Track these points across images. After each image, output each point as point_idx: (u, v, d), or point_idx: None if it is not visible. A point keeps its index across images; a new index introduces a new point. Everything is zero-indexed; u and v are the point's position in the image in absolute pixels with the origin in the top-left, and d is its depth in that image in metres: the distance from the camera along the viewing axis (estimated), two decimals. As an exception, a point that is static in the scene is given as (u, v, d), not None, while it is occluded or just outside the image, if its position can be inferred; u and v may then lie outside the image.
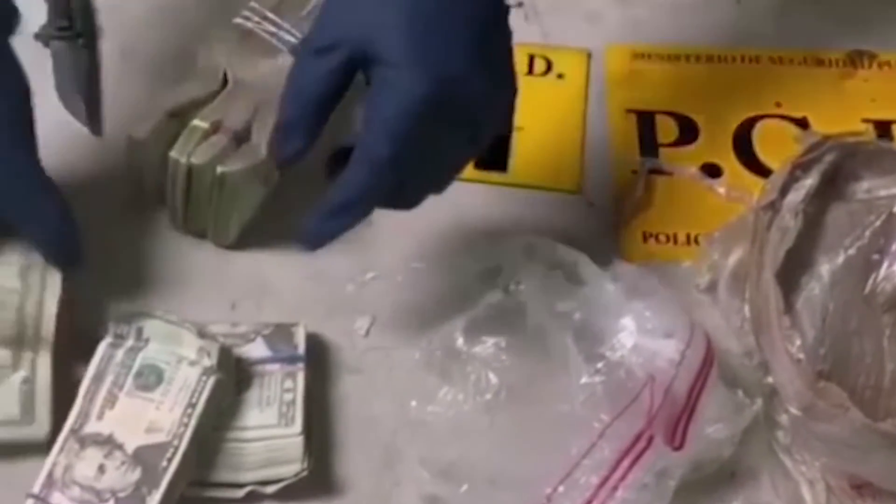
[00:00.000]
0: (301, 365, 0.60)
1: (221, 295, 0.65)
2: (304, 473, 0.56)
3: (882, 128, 0.74)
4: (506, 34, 0.56)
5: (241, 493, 0.56)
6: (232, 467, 0.56)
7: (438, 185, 0.57)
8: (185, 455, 0.55)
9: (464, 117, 0.53)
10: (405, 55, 0.51)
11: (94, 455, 0.55)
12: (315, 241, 0.56)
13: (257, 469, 0.56)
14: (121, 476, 0.54)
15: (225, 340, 0.60)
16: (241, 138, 0.63)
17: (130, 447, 0.55)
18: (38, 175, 0.58)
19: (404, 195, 0.56)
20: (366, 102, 0.52)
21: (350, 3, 0.53)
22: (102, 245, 0.66)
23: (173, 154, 0.62)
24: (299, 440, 0.57)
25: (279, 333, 0.61)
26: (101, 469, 0.55)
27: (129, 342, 0.59)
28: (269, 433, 0.57)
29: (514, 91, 0.56)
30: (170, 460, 0.55)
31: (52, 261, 0.59)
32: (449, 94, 0.51)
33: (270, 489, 0.56)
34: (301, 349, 0.60)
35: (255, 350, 0.60)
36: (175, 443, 0.55)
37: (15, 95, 0.57)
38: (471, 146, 0.56)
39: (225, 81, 0.66)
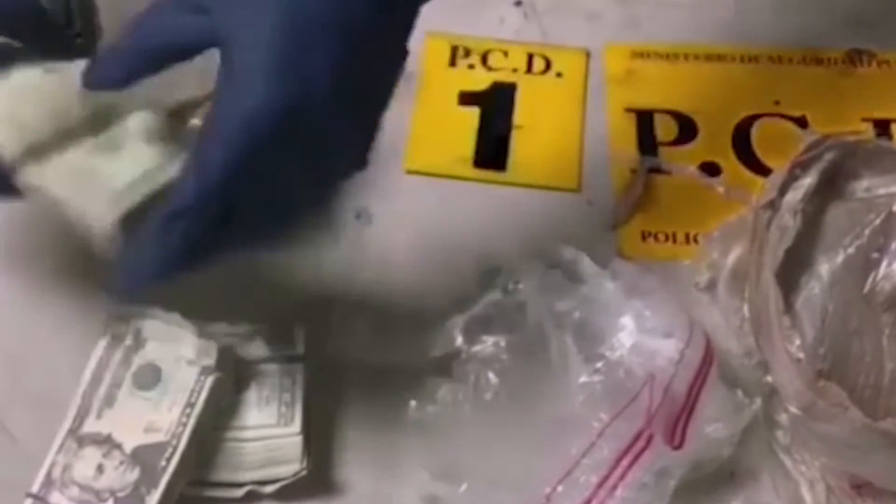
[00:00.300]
0: (300, 364, 0.59)
1: (220, 294, 0.64)
2: (303, 473, 0.56)
3: (882, 127, 0.74)
4: (388, 72, 0.49)
5: (239, 492, 0.56)
6: (231, 467, 0.56)
7: (274, 224, 0.48)
8: (183, 455, 0.55)
9: (313, 143, 0.46)
10: (264, 60, 0.45)
11: (92, 455, 0.55)
12: (131, 278, 0.48)
13: (256, 469, 0.56)
14: (119, 476, 0.54)
15: (224, 340, 0.60)
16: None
17: (129, 447, 0.55)
18: None
19: (233, 231, 0.47)
20: (211, 100, 0.46)
21: None
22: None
23: (172, 154, 0.62)
24: (298, 440, 0.56)
25: (278, 333, 0.61)
26: (100, 469, 0.55)
27: (128, 341, 0.59)
28: (267, 433, 0.57)
29: (374, 129, 0.49)
30: (168, 460, 0.55)
31: None
32: (301, 112, 0.45)
33: (269, 489, 0.56)
34: (300, 348, 0.60)
35: (254, 349, 0.60)
36: (174, 442, 0.55)
37: None
38: (317, 183, 0.48)
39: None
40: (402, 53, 0.49)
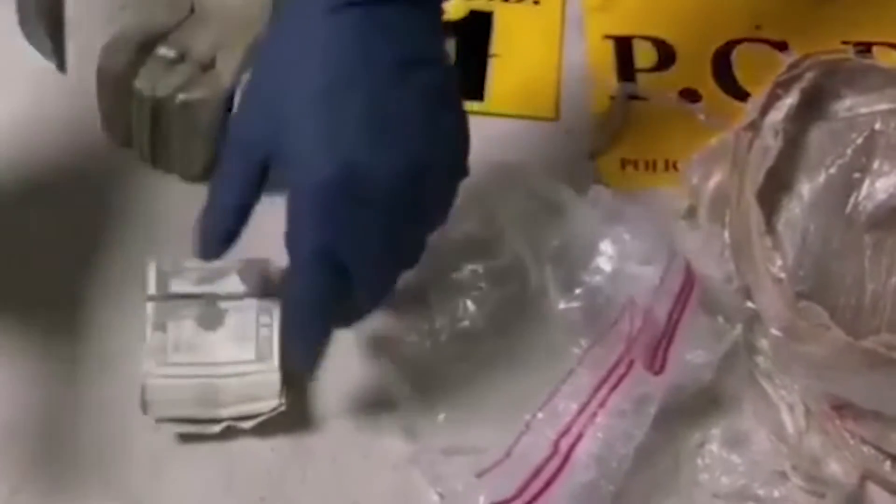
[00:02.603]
0: (277, 300, 0.59)
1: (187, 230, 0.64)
2: (282, 408, 0.55)
3: (863, 50, 0.73)
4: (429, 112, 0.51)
5: (217, 428, 0.55)
6: (208, 403, 0.56)
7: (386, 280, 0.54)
8: None
9: (388, 191, 0.50)
10: (305, 147, 0.49)
11: None
12: (303, 364, 0.55)
13: (234, 404, 0.55)
14: None
15: (199, 275, 0.59)
16: (208, 67, 0.62)
17: None
18: None
19: (362, 290, 0.52)
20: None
21: (260, 101, 0.52)
22: (72, 181, 0.65)
23: (138, 84, 0.61)
24: (276, 375, 0.56)
25: (253, 268, 0.60)
26: None
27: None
28: (245, 369, 0.56)
29: (450, 146, 0.53)
30: None
31: None
32: (356, 177, 0.49)
33: (247, 424, 0.55)
34: (276, 284, 0.59)
35: (230, 285, 0.59)
36: None
37: None
38: (425, 215, 0.53)
39: (192, 10, 0.65)
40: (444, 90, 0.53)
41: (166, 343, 0.57)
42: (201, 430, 0.55)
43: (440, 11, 0.54)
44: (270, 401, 0.55)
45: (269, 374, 0.56)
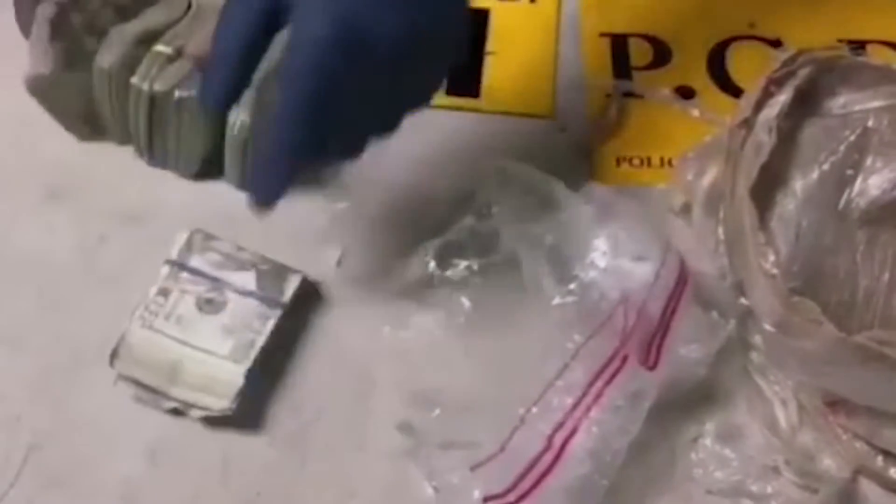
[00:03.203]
0: (279, 311, 0.58)
1: (189, 227, 0.63)
2: (229, 412, 0.55)
3: (857, 48, 0.73)
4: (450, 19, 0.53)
5: (168, 405, 0.56)
6: (168, 379, 0.56)
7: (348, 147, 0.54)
8: None
9: (383, 56, 0.50)
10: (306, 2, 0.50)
11: None
12: (263, 196, 0.53)
13: (188, 390, 0.56)
14: None
15: (221, 259, 0.59)
16: (205, 64, 0.62)
17: None
18: None
19: (340, 146, 0.53)
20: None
21: None
22: (69, 176, 0.65)
23: (135, 80, 0.61)
24: (240, 380, 0.56)
25: (274, 273, 0.60)
26: None
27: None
28: (215, 362, 0.56)
29: (450, 25, 0.53)
30: None
31: None
32: (354, 33, 0.49)
33: (195, 414, 0.56)
34: (286, 297, 0.59)
35: (243, 280, 0.59)
36: None
37: None
38: (411, 89, 0.53)
39: (189, 6, 0.65)
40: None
41: (160, 309, 0.57)
42: (154, 401, 0.56)
43: None
44: (222, 400, 0.55)
45: (234, 376, 0.56)
